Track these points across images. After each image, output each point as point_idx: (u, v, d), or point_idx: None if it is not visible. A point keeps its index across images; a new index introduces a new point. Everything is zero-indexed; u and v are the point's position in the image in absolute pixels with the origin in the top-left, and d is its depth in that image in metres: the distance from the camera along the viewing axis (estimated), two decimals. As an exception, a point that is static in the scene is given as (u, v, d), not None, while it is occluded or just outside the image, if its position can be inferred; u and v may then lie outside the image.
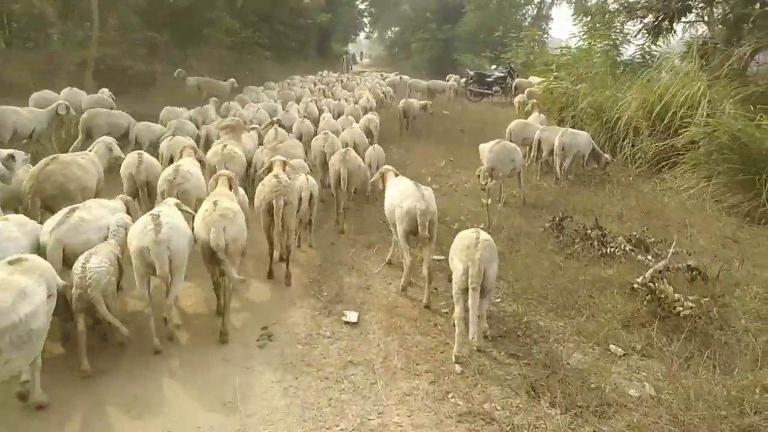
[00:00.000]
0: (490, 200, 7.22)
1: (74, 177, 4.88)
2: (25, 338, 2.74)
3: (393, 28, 53.26)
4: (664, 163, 9.09)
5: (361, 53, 60.25)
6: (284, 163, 5.47)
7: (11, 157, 4.49)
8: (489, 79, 21.61)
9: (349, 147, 7.20)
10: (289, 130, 8.93)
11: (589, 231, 6.00)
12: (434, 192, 5.07)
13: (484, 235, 3.96)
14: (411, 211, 4.59)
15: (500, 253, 4.42)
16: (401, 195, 4.83)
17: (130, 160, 5.58)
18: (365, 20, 51.78)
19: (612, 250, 5.65)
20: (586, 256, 5.66)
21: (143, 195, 5.50)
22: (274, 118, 9.30)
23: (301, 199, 5.39)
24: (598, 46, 13.00)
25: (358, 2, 48.91)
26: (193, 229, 4.15)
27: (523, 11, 44.97)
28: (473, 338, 3.75)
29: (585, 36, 15.73)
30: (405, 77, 26.05)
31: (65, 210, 3.96)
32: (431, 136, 12.89)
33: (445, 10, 43.05)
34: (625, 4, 12.94)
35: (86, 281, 3.38)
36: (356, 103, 13.02)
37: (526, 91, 17.98)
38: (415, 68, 36.93)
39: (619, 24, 14.83)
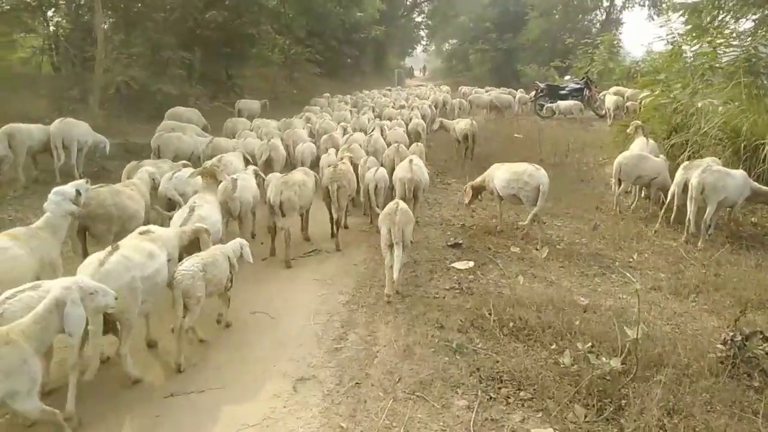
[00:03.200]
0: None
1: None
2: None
3: (450, 41, 51.03)
4: None
5: (423, 67, 58.35)
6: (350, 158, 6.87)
7: (78, 192, 4.25)
8: (563, 92, 18.86)
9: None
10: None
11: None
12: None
13: (402, 205, 5.00)
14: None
15: None
16: None
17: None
18: (422, 33, 49.91)
19: None
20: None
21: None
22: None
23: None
24: (720, 49, 10.13)
25: (414, 15, 47.17)
26: None
27: (591, 16, 41.63)
28: (396, 278, 4.79)
29: (690, 37, 12.87)
30: (465, 89, 23.67)
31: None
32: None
33: (506, 18, 40.36)
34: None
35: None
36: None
37: (625, 106, 15.30)
38: (475, 80, 34.44)
39: (733, 21, 11.94)
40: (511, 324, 4.23)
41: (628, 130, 9.15)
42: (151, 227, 3.99)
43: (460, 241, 6.24)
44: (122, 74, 12.87)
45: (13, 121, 7.77)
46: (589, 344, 3.52)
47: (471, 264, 5.64)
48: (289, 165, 8.34)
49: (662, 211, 6.92)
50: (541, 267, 5.64)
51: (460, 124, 11.21)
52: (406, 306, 4.72)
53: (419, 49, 55.31)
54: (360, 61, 34.97)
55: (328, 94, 17.91)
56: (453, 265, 5.64)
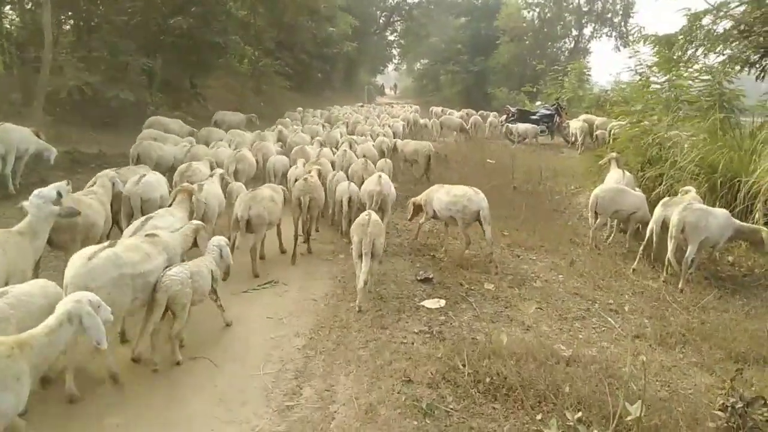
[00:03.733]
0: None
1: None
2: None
3: (422, 60, 51.31)
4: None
5: (395, 85, 58.39)
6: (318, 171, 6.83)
7: (59, 194, 4.18)
8: (533, 117, 18.82)
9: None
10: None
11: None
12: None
13: (374, 217, 5.17)
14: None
15: None
16: None
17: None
18: (394, 51, 49.99)
19: None
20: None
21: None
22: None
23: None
24: (696, 81, 10.08)
25: (387, 33, 47.24)
26: None
27: (560, 44, 42.53)
28: (363, 285, 4.86)
29: (659, 68, 12.95)
30: (437, 109, 23.44)
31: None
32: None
33: (477, 41, 40.81)
34: (740, 28, 9.89)
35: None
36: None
37: (594, 135, 15.32)
38: (445, 101, 34.48)
39: (702, 55, 12.05)
40: (488, 380, 3.73)
41: (601, 162, 8.91)
42: (158, 232, 4.08)
43: (430, 276, 5.76)
44: (75, 78, 12.00)
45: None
46: (579, 414, 3.05)
47: (442, 303, 5.16)
48: (260, 178, 8.32)
49: (641, 248, 6.61)
50: (517, 308, 5.20)
51: (410, 146, 10.83)
52: (370, 353, 4.18)
53: (391, 67, 55.45)
54: (330, 76, 34.59)
55: (300, 109, 17.64)
56: (423, 303, 5.14)
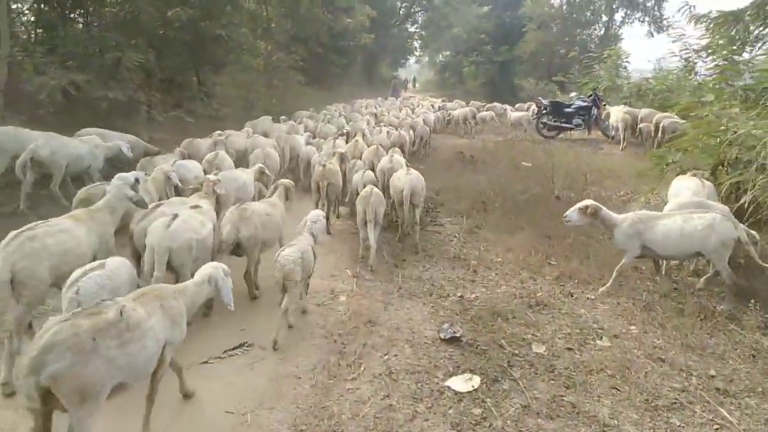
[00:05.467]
0: None
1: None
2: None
3: (444, 52, 49.40)
4: None
5: (413, 79, 56.63)
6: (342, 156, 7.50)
7: (137, 180, 4.63)
8: (568, 110, 17.01)
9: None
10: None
11: None
12: None
13: (376, 190, 5.92)
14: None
15: None
16: None
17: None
18: (416, 44, 48.18)
19: None
20: None
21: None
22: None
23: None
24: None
25: (407, 25, 45.49)
26: None
27: (590, 31, 40.21)
28: (374, 252, 5.74)
29: (714, 52, 11.17)
30: (450, 104, 21.94)
31: None
32: (522, 213, 7.77)
33: (501, 30, 38.85)
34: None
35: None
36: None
37: (638, 128, 13.65)
38: (468, 94, 32.73)
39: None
40: None
41: (688, 175, 6.92)
42: (200, 203, 4.71)
43: (458, 333, 4.26)
44: (59, 77, 10.77)
45: None
46: None
47: (476, 382, 3.66)
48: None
49: (727, 279, 4.97)
50: (583, 388, 3.67)
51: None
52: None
53: (412, 60, 53.66)
54: (348, 71, 33.06)
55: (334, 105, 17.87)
56: (449, 383, 3.65)
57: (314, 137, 10.46)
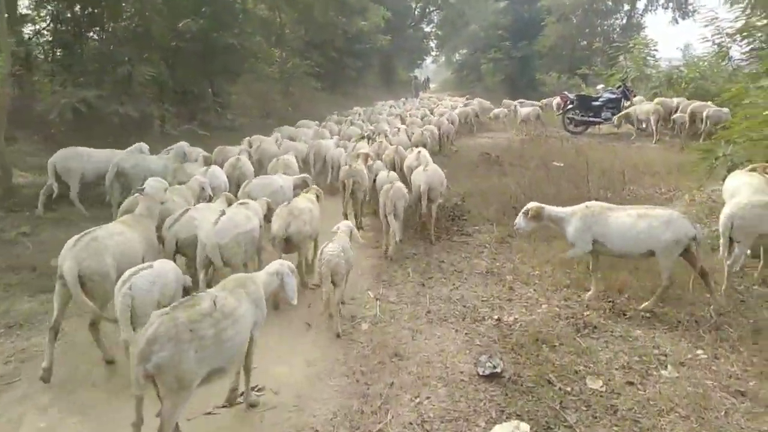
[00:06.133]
0: None
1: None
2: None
3: (461, 50, 48.62)
4: None
5: (427, 79, 55.95)
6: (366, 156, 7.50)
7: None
8: (596, 103, 16.22)
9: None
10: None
11: None
12: None
13: (398, 184, 6.24)
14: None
15: None
16: None
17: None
18: (432, 44, 47.56)
19: None
20: None
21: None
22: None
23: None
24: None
25: (423, 25, 44.88)
26: None
27: (611, 20, 39.00)
28: (396, 239, 6.07)
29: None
30: (473, 102, 21.33)
31: None
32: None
33: (520, 24, 37.91)
34: None
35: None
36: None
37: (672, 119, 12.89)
38: (487, 92, 31.92)
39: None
40: None
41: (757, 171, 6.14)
42: (247, 200, 5.28)
43: (498, 369, 3.70)
44: (70, 95, 10.55)
45: None
46: None
47: (525, 431, 3.10)
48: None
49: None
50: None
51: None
52: None
53: (429, 60, 52.96)
54: (364, 74, 32.59)
55: (355, 108, 18.32)
56: (492, 434, 3.10)
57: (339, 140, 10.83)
